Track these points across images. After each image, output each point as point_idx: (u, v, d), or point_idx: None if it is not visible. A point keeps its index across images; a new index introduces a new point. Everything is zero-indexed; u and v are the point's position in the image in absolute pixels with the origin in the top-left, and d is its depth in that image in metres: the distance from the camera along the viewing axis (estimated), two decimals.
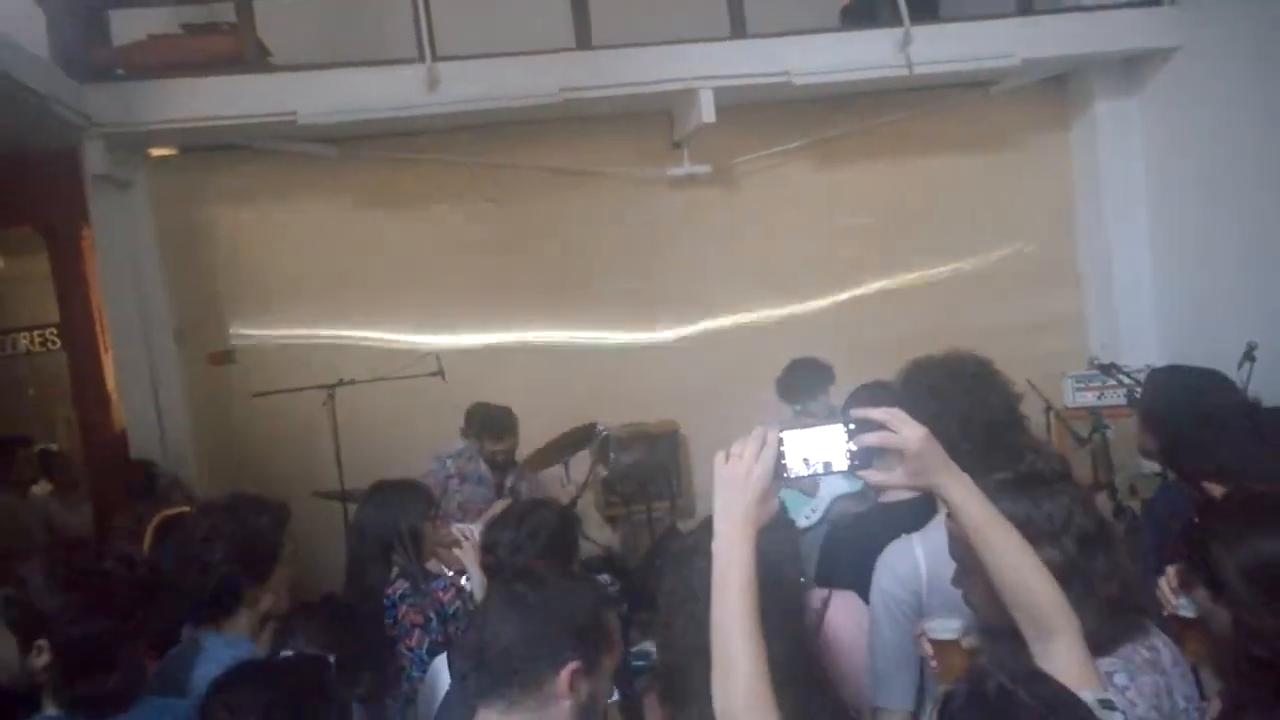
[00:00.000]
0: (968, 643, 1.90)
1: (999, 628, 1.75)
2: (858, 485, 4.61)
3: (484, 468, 5.43)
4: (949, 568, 1.91)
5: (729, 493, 1.56)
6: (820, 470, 1.60)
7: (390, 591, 3.28)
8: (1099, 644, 1.63)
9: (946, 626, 1.96)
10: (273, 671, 1.95)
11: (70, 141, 5.58)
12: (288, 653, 2.31)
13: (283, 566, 2.64)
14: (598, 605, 1.84)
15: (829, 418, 1.65)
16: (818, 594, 2.34)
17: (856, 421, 1.59)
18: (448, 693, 2.58)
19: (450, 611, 3.19)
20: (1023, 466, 1.94)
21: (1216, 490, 2.43)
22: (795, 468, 1.59)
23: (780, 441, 1.57)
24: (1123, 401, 5.49)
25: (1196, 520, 2.01)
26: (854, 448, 1.58)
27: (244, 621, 2.51)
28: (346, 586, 3.38)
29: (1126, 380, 5.39)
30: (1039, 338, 6.70)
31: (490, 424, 5.33)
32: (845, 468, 1.60)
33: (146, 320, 6.11)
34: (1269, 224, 5.78)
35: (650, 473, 6.17)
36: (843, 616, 2.35)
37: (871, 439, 1.57)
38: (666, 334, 6.71)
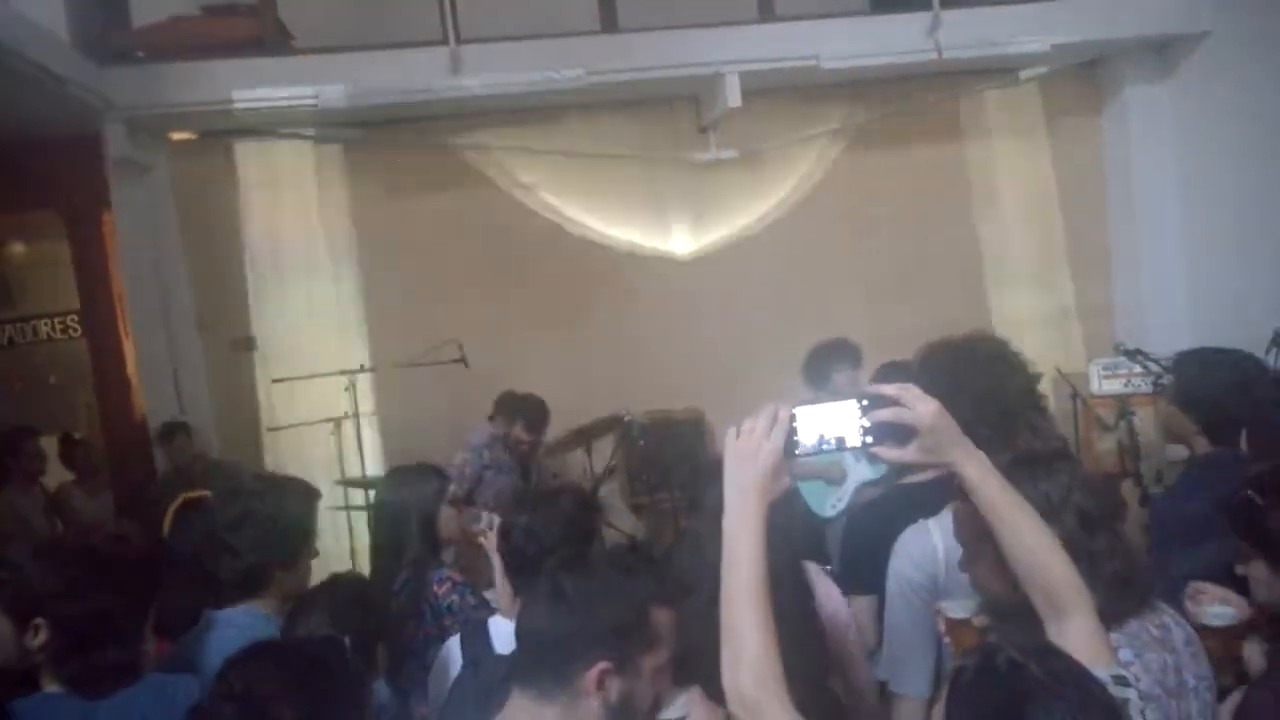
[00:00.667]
0: (979, 621, 1.92)
1: (1007, 608, 1.76)
2: (881, 470, 4.57)
3: (504, 455, 5.42)
4: None
5: (740, 468, 1.55)
6: (833, 446, 1.57)
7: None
8: (1103, 620, 1.62)
9: (961, 606, 1.98)
10: (289, 651, 1.90)
11: (90, 125, 5.53)
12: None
13: (309, 551, 2.62)
14: (642, 603, 1.76)
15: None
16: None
17: (869, 397, 1.56)
18: (459, 676, 2.55)
19: (445, 605, 3.11)
20: (1020, 444, 2.01)
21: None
22: (807, 443, 1.56)
23: (793, 418, 1.55)
24: (1149, 389, 5.45)
25: (1250, 494, 2.07)
26: (867, 424, 1.56)
27: (268, 604, 2.49)
28: (370, 574, 3.36)
29: (1153, 367, 5.35)
30: (1067, 325, 6.66)
31: (532, 414, 5.34)
32: (858, 444, 1.57)
33: (167, 306, 6.08)
34: None
35: (675, 460, 6.13)
36: (832, 599, 2.40)
37: (884, 414, 1.54)
38: (692, 319, 6.64)
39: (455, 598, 3.11)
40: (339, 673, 1.80)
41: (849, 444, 1.58)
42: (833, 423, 1.57)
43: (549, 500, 2.80)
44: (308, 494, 2.71)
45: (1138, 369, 5.64)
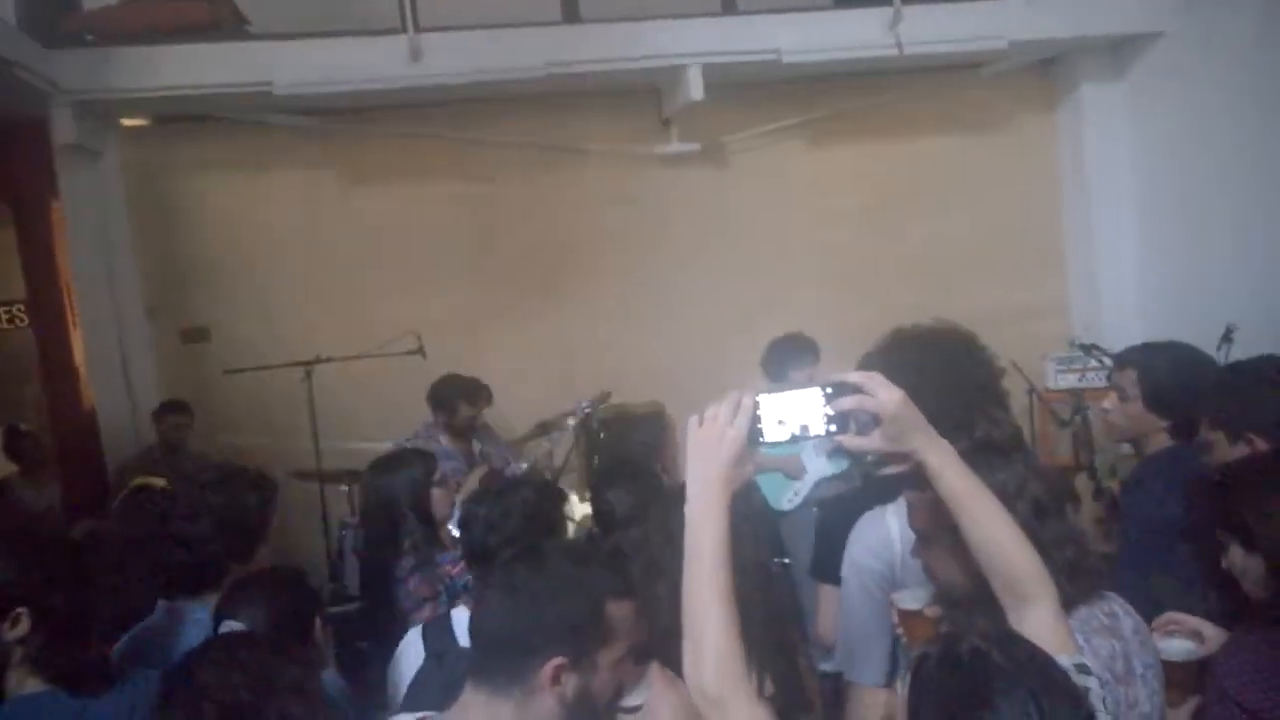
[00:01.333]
0: (932, 612, 1.92)
1: (961, 597, 1.78)
2: (842, 465, 4.60)
3: (445, 442, 5.34)
4: None
5: (703, 456, 1.52)
6: (797, 434, 1.56)
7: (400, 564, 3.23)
8: None
9: (913, 596, 1.97)
10: (242, 647, 1.85)
11: (38, 110, 5.40)
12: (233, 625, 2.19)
13: (265, 544, 2.58)
14: (598, 598, 1.72)
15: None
16: None
17: (834, 385, 1.55)
18: (421, 669, 2.51)
19: (461, 584, 3.13)
20: (978, 433, 2.00)
21: (1260, 444, 2.48)
22: (771, 431, 1.55)
23: (756, 405, 1.54)
24: (1104, 384, 5.51)
25: (1220, 479, 2.15)
26: (831, 411, 1.55)
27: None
28: (362, 566, 3.33)
29: (1108, 362, 5.41)
30: (1022, 320, 6.69)
31: (465, 389, 5.29)
32: (822, 432, 1.56)
33: (117, 296, 5.97)
34: (1252, 209, 5.82)
35: (635, 453, 6.09)
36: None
37: (848, 402, 1.53)
38: (653, 313, 6.62)
39: (470, 576, 3.08)
40: (290, 663, 1.77)
41: (813, 432, 1.56)
42: (797, 410, 1.56)
43: (509, 491, 2.79)
44: (264, 485, 2.68)
45: (1092, 364, 5.72)
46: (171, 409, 5.73)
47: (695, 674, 1.45)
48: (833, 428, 1.56)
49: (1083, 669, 1.46)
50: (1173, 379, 2.90)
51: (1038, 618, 1.53)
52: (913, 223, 6.82)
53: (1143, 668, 1.80)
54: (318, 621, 2.34)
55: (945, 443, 1.57)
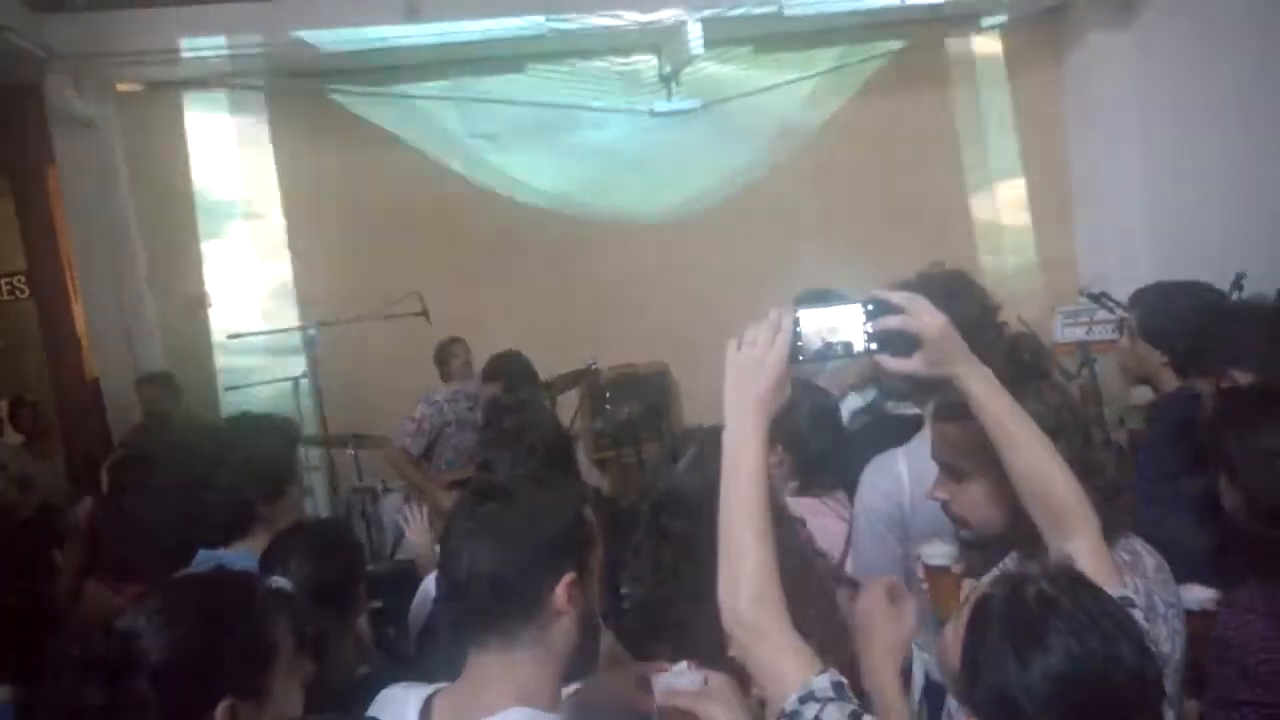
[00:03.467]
0: (959, 568, 1.89)
1: (993, 539, 1.77)
2: (870, 397, 4.54)
3: (479, 416, 5.31)
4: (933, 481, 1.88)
5: (740, 380, 1.49)
6: (838, 352, 1.52)
7: None
8: None
9: (940, 552, 1.93)
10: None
11: (32, 76, 5.36)
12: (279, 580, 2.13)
13: (296, 484, 2.56)
14: (576, 503, 1.70)
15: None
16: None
17: (875, 303, 1.51)
18: (434, 611, 2.50)
19: None
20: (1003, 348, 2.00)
21: (1243, 379, 2.48)
22: (811, 349, 1.51)
23: (796, 322, 1.50)
24: (1112, 336, 5.48)
25: (1214, 408, 2.15)
26: (871, 329, 1.51)
27: (260, 541, 2.39)
28: None
29: (1117, 311, 5.37)
30: (1029, 274, 6.67)
31: (525, 374, 5.24)
32: (861, 349, 1.52)
33: (118, 264, 5.92)
34: (1260, 157, 5.74)
35: (639, 414, 6.09)
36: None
37: (891, 322, 1.50)
38: (655, 271, 6.58)
39: None
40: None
41: (854, 350, 1.52)
42: (836, 327, 1.52)
43: (528, 430, 2.75)
44: (285, 428, 2.67)
45: (1100, 315, 5.67)
46: (146, 381, 5.66)
47: (731, 600, 1.43)
48: (873, 346, 1.52)
49: (1128, 603, 1.43)
50: (1164, 309, 2.88)
51: (1080, 550, 1.50)
52: (916, 177, 6.76)
53: (1165, 606, 1.77)
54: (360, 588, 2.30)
55: (987, 369, 1.54)
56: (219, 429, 2.66)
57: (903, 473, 2.21)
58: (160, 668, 1.46)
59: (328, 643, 2.04)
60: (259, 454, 2.51)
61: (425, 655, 2.50)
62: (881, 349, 1.52)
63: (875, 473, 2.29)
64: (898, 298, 1.51)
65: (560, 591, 1.57)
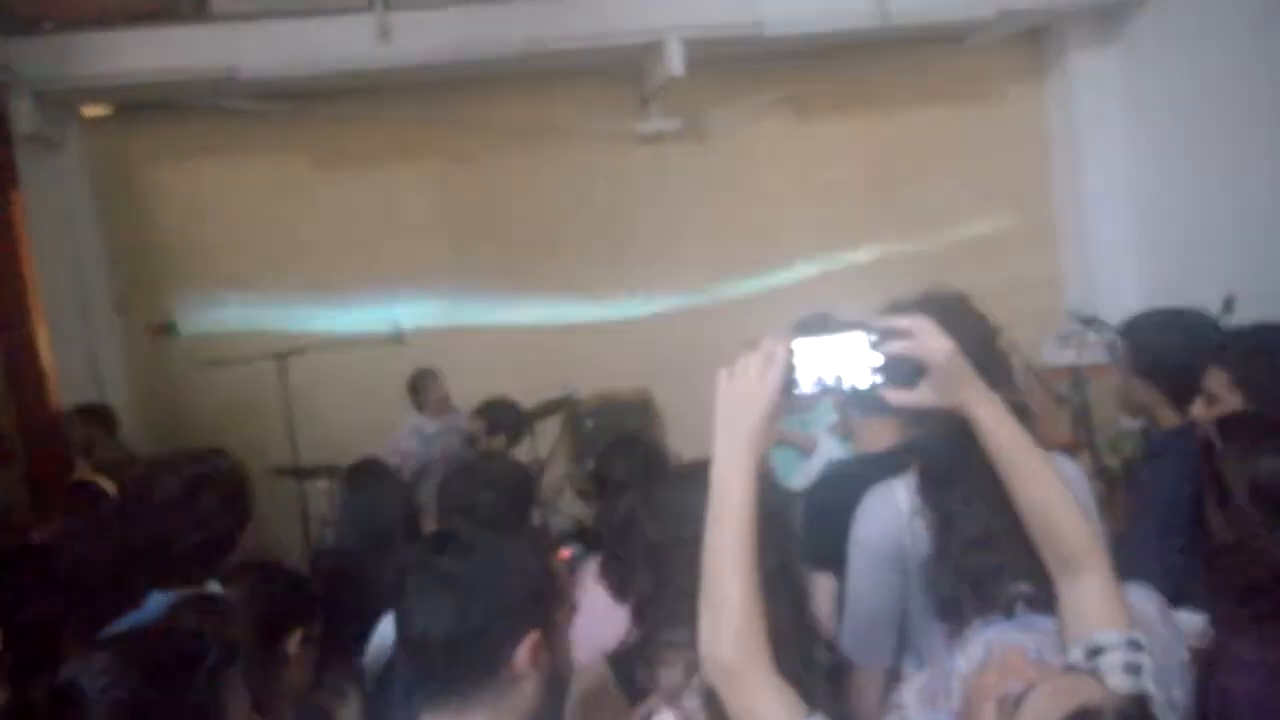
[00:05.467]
0: None
1: None
2: (850, 450, 4.45)
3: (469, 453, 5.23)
4: None
5: (731, 413, 1.42)
6: (837, 385, 1.44)
7: None
8: None
9: None
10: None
11: None
12: None
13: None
14: (541, 556, 1.62)
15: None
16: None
17: (879, 330, 1.44)
18: (390, 660, 2.41)
19: None
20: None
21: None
22: (808, 382, 1.43)
23: (790, 353, 1.42)
24: (1103, 359, 5.41)
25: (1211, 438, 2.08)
26: (875, 360, 1.43)
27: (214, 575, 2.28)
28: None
29: (1108, 335, 5.30)
30: (1012, 295, 6.56)
31: (511, 424, 5.16)
32: (864, 384, 1.44)
33: (83, 290, 5.85)
34: (1246, 177, 5.72)
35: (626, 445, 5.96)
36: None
37: (895, 348, 1.43)
38: (637, 298, 6.50)
39: None
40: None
41: (854, 384, 1.44)
42: (836, 358, 1.44)
43: (484, 468, 2.75)
44: (240, 465, 2.56)
45: (1090, 338, 5.60)
46: (75, 414, 5.44)
47: (712, 641, 1.36)
48: (876, 378, 1.44)
49: (1135, 645, 1.38)
50: (1159, 345, 2.76)
51: (1089, 588, 1.44)
52: (899, 197, 6.71)
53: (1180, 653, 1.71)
54: (298, 633, 2.15)
55: (995, 396, 1.48)
56: (178, 457, 2.51)
57: (902, 504, 2.09)
58: None
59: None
60: (235, 482, 2.44)
61: (380, 701, 2.40)
62: (884, 380, 1.45)
63: (872, 504, 2.17)
64: (902, 323, 1.45)
65: (522, 653, 1.48)
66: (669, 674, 1.86)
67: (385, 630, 2.54)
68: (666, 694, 1.73)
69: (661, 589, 1.88)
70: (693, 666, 1.81)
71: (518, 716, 1.51)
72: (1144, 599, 1.72)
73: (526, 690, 1.51)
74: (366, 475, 3.42)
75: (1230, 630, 1.84)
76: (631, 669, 1.96)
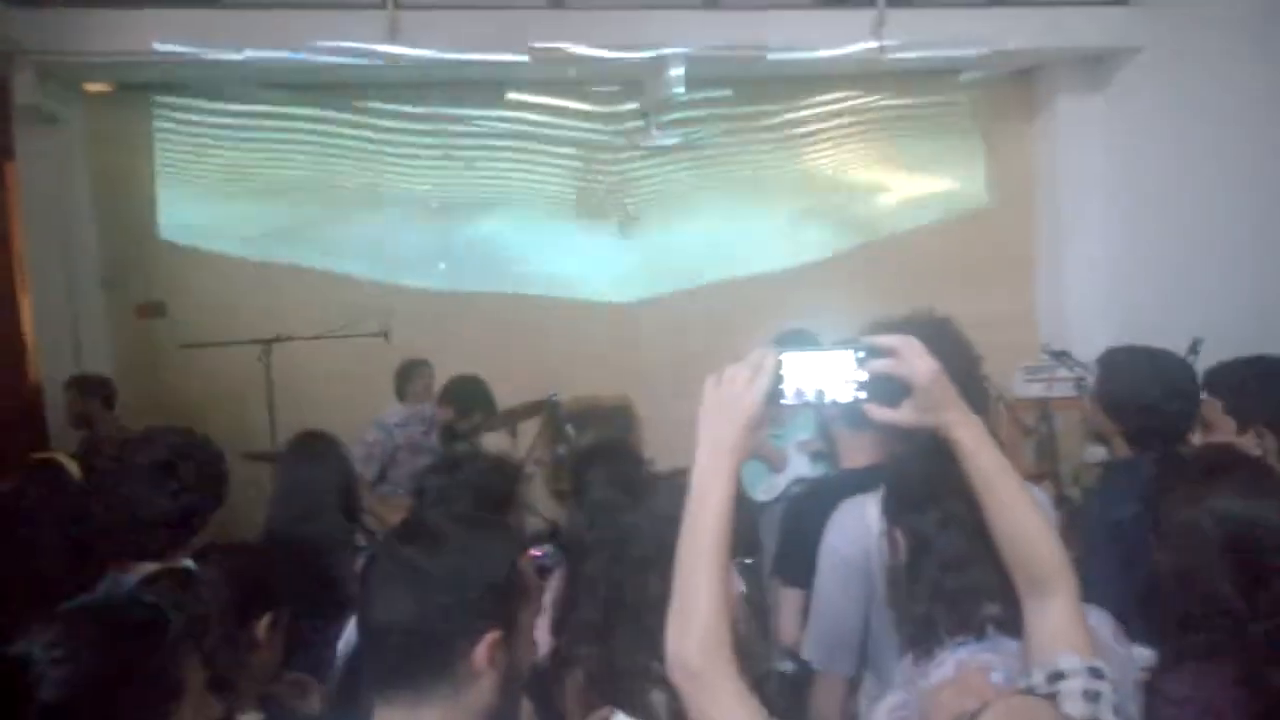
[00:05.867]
0: None
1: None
2: (821, 470, 4.53)
3: (435, 440, 5.25)
4: None
5: (716, 420, 1.43)
6: (821, 399, 1.47)
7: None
8: None
9: None
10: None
11: None
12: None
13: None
14: (510, 553, 1.57)
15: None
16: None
17: (866, 348, 1.46)
18: (351, 655, 2.38)
19: None
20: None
21: (1269, 439, 2.50)
22: (793, 394, 1.46)
23: (779, 365, 1.45)
24: (1071, 393, 5.54)
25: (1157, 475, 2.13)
26: (860, 377, 1.46)
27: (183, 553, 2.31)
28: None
29: (1077, 370, 5.44)
30: (990, 328, 6.66)
31: (479, 400, 5.17)
32: (847, 397, 1.47)
33: (71, 266, 5.80)
34: (1223, 224, 5.89)
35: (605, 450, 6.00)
36: None
37: (880, 366, 1.45)
38: (627, 307, 6.56)
39: None
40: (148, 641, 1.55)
41: (838, 398, 1.47)
42: (823, 373, 1.46)
43: (467, 463, 2.69)
44: (208, 439, 2.59)
45: (1060, 372, 5.74)
46: (74, 384, 5.46)
47: (680, 645, 1.37)
48: (861, 394, 1.47)
49: (1096, 672, 1.40)
50: (1123, 385, 2.85)
51: (1057, 611, 1.47)
52: (887, 225, 6.85)
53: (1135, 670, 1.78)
54: (267, 618, 2.16)
55: (979, 420, 1.49)
56: (157, 430, 2.55)
57: (871, 518, 2.16)
58: (57, 704, 1.38)
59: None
60: (211, 457, 2.47)
61: (348, 689, 2.36)
62: (868, 396, 1.47)
63: (843, 516, 2.25)
64: (889, 341, 1.46)
65: (481, 651, 1.45)
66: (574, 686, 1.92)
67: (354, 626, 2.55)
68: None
69: (596, 600, 1.96)
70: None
71: (472, 715, 1.48)
72: (1099, 621, 1.76)
73: (483, 688, 1.47)
74: (305, 447, 3.41)
75: (1163, 668, 1.84)
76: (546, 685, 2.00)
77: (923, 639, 1.70)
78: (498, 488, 2.65)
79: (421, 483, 2.67)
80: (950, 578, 1.70)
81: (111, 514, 2.40)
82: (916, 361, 1.44)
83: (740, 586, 2.41)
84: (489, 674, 1.47)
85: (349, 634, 2.54)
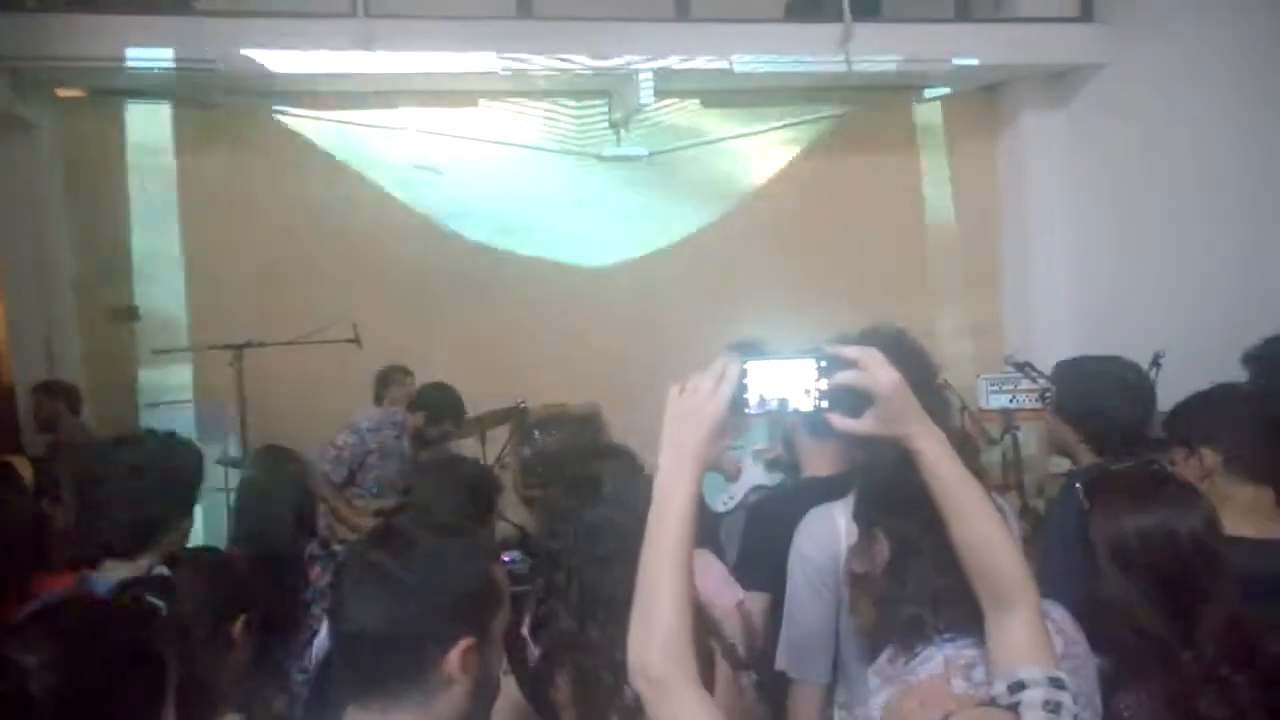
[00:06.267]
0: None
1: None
2: (777, 478, 4.58)
3: (406, 445, 5.28)
4: None
5: (679, 425, 1.44)
6: (784, 407, 1.48)
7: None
8: None
9: None
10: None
11: None
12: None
13: (192, 509, 2.49)
14: (483, 560, 1.57)
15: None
16: None
17: (828, 358, 1.45)
18: (324, 658, 2.42)
19: None
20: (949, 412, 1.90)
21: (1209, 458, 2.46)
22: (756, 402, 1.46)
23: (743, 374, 1.45)
24: (1035, 404, 5.60)
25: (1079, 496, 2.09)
26: (823, 386, 1.46)
27: (147, 563, 2.30)
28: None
29: (1040, 381, 5.51)
30: (956, 340, 6.80)
31: (450, 408, 5.20)
32: (810, 407, 1.47)
33: (44, 269, 5.81)
34: (1182, 239, 5.97)
35: (570, 456, 6.04)
36: (706, 578, 2.28)
37: (843, 378, 1.44)
38: (594, 316, 6.60)
39: None
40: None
41: (801, 407, 1.47)
42: (786, 382, 1.47)
43: (452, 467, 2.75)
44: (192, 448, 2.58)
45: (1024, 384, 5.79)
46: (41, 388, 5.48)
47: (641, 651, 1.38)
48: (823, 404, 1.47)
49: (1057, 683, 1.41)
50: (1077, 389, 2.88)
51: (1018, 623, 1.46)
52: (852, 238, 6.89)
53: (1086, 658, 1.78)
54: (241, 619, 2.18)
55: (939, 430, 1.48)
56: (128, 437, 2.57)
57: (840, 525, 2.19)
58: (60, 699, 1.37)
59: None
60: (178, 468, 2.46)
61: (317, 700, 2.41)
62: (831, 406, 1.47)
63: (812, 523, 2.27)
64: (851, 352, 1.46)
65: (453, 658, 1.45)
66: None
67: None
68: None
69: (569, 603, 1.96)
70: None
71: None
72: (1061, 615, 1.78)
73: (455, 695, 1.47)
74: (262, 461, 3.43)
75: (1112, 683, 1.82)
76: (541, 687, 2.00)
77: (911, 639, 1.69)
78: (488, 490, 2.72)
79: (410, 481, 2.71)
80: (941, 578, 1.66)
81: (85, 512, 2.41)
82: (879, 372, 1.43)
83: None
84: (462, 681, 1.46)
85: (322, 637, 2.57)
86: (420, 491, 2.66)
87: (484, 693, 1.54)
